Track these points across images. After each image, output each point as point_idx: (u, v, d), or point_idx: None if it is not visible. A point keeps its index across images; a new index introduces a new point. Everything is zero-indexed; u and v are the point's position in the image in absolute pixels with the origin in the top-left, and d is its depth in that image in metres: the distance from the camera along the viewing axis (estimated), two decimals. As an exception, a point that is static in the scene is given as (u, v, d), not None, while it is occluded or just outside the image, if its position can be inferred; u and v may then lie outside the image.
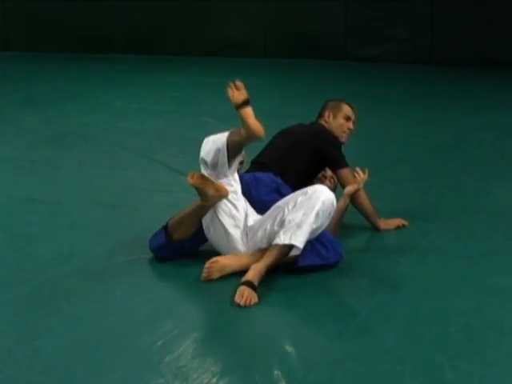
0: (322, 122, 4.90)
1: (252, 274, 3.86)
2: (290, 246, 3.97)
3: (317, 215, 4.00)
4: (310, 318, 3.68)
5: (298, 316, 3.68)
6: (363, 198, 4.65)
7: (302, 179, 4.59)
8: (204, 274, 3.99)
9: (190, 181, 4.06)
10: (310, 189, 4.13)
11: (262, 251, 4.09)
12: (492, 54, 10.74)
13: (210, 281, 3.98)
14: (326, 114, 4.92)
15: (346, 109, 4.93)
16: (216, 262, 4.01)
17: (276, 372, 3.17)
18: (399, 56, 11.36)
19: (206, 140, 4.23)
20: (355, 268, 4.22)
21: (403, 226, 4.77)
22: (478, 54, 10.82)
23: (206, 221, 4.21)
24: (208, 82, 10.45)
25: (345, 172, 4.65)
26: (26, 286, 4.02)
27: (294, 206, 4.05)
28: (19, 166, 6.43)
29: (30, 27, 13.50)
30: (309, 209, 4.00)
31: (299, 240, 3.95)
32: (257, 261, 4.01)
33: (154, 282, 4.10)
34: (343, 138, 4.86)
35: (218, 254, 4.19)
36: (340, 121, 4.88)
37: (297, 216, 3.98)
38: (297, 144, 4.68)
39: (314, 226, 4.00)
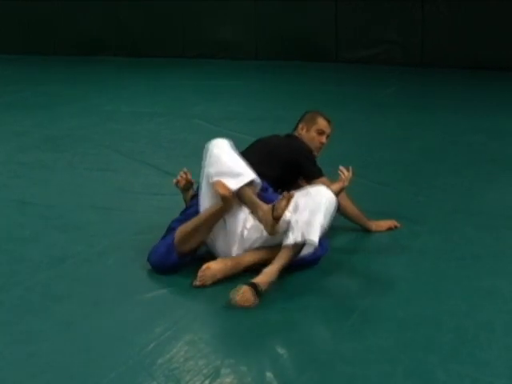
0: (296, 134, 4.89)
1: (263, 279, 3.80)
2: (301, 245, 3.96)
3: (325, 213, 4.00)
4: (302, 319, 3.67)
5: (290, 317, 3.68)
6: (346, 204, 4.60)
7: (274, 185, 4.57)
8: (197, 282, 3.96)
9: (220, 190, 4.00)
10: (313, 189, 4.15)
11: (253, 251, 4.11)
12: (483, 56, 10.77)
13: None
14: (300, 126, 4.90)
15: (321, 122, 4.88)
16: (208, 268, 3.99)
17: (268, 373, 3.17)
18: (390, 58, 11.39)
19: (216, 157, 4.15)
20: (347, 270, 4.23)
21: (395, 227, 4.77)
22: (469, 55, 10.86)
23: None
24: (199, 85, 10.47)
25: (321, 181, 4.58)
26: (17, 289, 4.02)
27: (296, 208, 4.05)
28: (10, 169, 6.42)
29: (21, 30, 13.48)
30: (314, 207, 3.99)
31: (313, 235, 3.93)
32: (249, 261, 4.05)
33: (146, 284, 4.09)
34: (315, 151, 4.82)
35: (211, 256, 4.20)
36: (312, 134, 4.84)
37: (303, 216, 3.96)
38: (270, 155, 4.63)
39: (324, 224, 4.00)
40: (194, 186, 4.55)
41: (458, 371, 3.17)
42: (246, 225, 4.16)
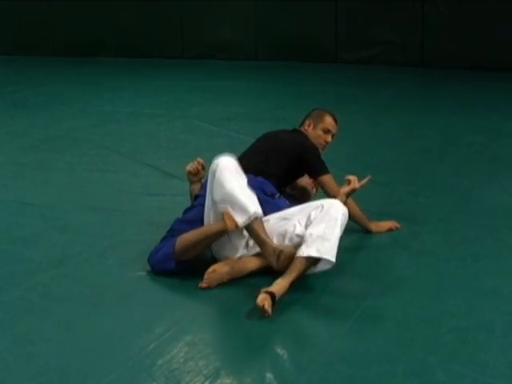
0: (302, 130, 4.87)
1: (277, 289, 3.75)
2: (316, 260, 3.94)
3: (341, 227, 4.02)
4: (301, 320, 3.67)
5: (289, 318, 3.68)
6: (349, 203, 4.55)
7: (279, 185, 4.57)
8: (203, 285, 3.95)
9: (227, 222, 3.96)
10: (326, 203, 4.12)
11: (259, 256, 4.09)
12: (483, 56, 10.78)
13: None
14: (307, 122, 4.86)
15: (328, 121, 4.85)
16: (214, 271, 3.98)
17: (268, 375, 3.17)
18: (389, 58, 11.40)
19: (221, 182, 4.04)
20: (347, 270, 4.22)
21: (396, 228, 4.77)
22: (469, 56, 10.86)
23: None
24: (198, 85, 10.47)
25: (327, 178, 4.59)
26: (17, 290, 4.01)
27: (310, 222, 4.05)
28: (10, 170, 6.43)
29: (19, 30, 13.49)
30: (331, 221, 3.99)
31: (330, 253, 3.91)
32: (255, 265, 4.06)
33: (146, 284, 4.09)
34: (319, 148, 4.79)
35: (214, 258, 4.20)
36: (318, 132, 4.81)
37: (318, 229, 3.95)
38: (276, 150, 4.63)
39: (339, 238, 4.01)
40: (203, 180, 4.55)
41: (457, 371, 3.17)
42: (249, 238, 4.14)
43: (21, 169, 6.45)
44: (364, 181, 4.57)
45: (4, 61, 13.08)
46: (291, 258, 3.86)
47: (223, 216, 3.98)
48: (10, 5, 13.50)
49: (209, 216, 4.15)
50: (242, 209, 3.95)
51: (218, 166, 4.09)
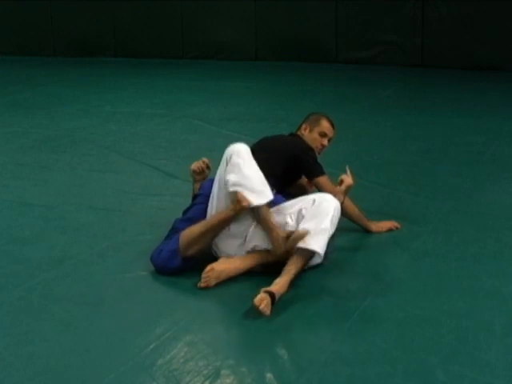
0: (299, 134, 4.90)
1: (277, 289, 3.76)
2: (311, 255, 3.97)
3: (331, 221, 4.03)
4: (301, 320, 3.67)
5: (289, 318, 3.68)
6: (347, 204, 4.55)
7: (278, 185, 4.57)
8: (202, 284, 3.95)
9: (242, 201, 4.01)
10: (317, 197, 4.15)
11: (257, 252, 4.11)
12: (482, 57, 10.78)
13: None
14: (303, 126, 4.91)
15: (324, 125, 4.89)
16: (212, 269, 3.99)
17: (268, 375, 3.18)
18: (389, 59, 11.39)
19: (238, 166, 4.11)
20: (346, 270, 4.23)
21: (396, 228, 4.77)
22: (469, 56, 10.86)
23: None
24: (199, 86, 10.47)
25: (323, 180, 4.60)
26: (17, 290, 4.02)
27: (301, 216, 4.07)
28: (10, 170, 6.42)
29: (19, 30, 13.49)
30: (322, 215, 4.02)
31: (318, 245, 3.95)
32: (252, 263, 4.08)
33: (146, 285, 4.09)
34: (316, 152, 4.81)
35: (213, 257, 4.20)
36: (314, 135, 4.85)
37: (310, 225, 3.98)
38: (273, 152, 4.64)
39: (331, 232, 4.03)
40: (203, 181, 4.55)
41: (458, 372, 3.17)
42: (248, 229, 4.15)
43: (21, 169, 6.45)
44: (348, 172, 4.56)
45: (4, 61, 13.08)
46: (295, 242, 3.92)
47: (235, 196, 4.03)
48: (9, 5, 13.50)
49: (212, 208, 4.17)
50: (256, 190, 4.04)
51: (235, 149, 4.18)
